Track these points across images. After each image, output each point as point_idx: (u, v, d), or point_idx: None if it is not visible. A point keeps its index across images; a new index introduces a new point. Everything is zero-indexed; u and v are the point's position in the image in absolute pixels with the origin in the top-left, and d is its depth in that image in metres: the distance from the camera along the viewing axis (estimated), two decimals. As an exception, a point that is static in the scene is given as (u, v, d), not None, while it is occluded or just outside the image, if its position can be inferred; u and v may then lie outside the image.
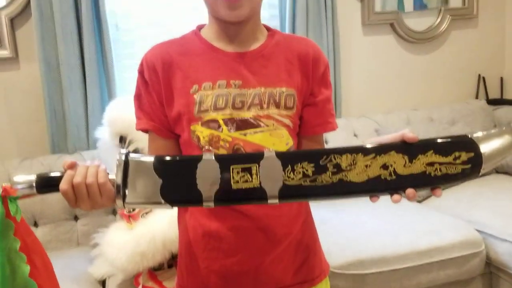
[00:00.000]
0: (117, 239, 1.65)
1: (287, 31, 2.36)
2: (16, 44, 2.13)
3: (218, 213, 0.92)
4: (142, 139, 1.68)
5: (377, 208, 2.12)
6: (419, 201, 2.20)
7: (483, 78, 2.86)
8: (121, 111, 1.77)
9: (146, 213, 1.63)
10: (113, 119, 1.80)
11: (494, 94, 2.89)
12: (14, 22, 2.11)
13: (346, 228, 1.91)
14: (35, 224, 1.97)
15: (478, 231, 1.88)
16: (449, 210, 2.04)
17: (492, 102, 2.77)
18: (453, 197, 2.12)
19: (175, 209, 1.03)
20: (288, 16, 2.36)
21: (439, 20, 2.73)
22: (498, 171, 2.49)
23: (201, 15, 2.29)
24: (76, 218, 2.03)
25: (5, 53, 2.10)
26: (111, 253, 1.62)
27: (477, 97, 2.86)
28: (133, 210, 1.64)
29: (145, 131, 0.97)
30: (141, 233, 1.59)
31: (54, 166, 1.99)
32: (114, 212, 2.01)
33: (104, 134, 1.88)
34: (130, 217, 1.65)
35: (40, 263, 0.80)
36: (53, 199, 1.94)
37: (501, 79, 2.90)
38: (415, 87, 2.77)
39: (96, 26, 2.12)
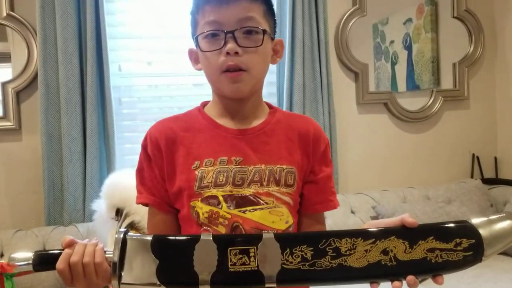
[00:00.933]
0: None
1: (284, 108, 2.43)
2: (20, 116, 2.18)
3: None
4: (138, 212, 1.68)
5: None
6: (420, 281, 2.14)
7: (477, 157, 2.91)
8: (119, 184, 1.77)
9: None
10: (111, 192, 1.81)
11: (488, 173, 2.92)
12: (20, 95, 2.17)
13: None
14: (23, 299, 1.90)
15: (480, 314, 1.83)
16: (449, 292, 1.99)
17: (487, 181, 2.80)
18: (454, 278, 2.07)
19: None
20: (286, 94, 2.44)
21: (431, 100, 2.83)
22: (500, 252, 2.44)
23: (202, 91, 2.39)
24: (65, 293, 1.96)
25: (8, 124, 2.15)
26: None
27: (472, 176, 2.89)
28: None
29: (145, 205, 0.98)
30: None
31: (48, 238, 1.96)
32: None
33: (100, 206, 1.87)
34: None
35: None
36: (44, 272, 1.88)
37: (495, 158, 2.95)
38: (411, 165, 2.81)
39: (99, 100, 2.18)
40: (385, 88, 2.77)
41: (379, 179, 2.71)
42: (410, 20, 2.86)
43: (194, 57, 0.98)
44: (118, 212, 1.77)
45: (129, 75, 2.36)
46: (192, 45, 0.98)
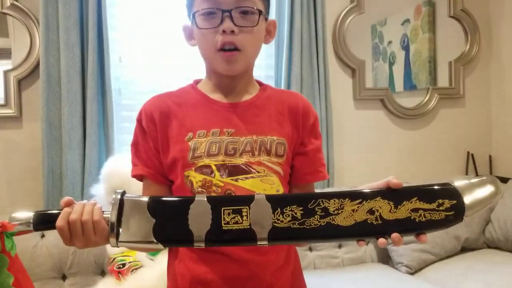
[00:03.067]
0: (105, 294, 1.61)
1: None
2: (21, 103, 2.21)
3: (206, 258, 0.93)
4: (136, 197, 1.70)
5: (368, 279, 2.08)
6: (411, 273, 2.18)
7: (472, 155, 2.94)
8: (118, 167, 1.80)
9: (136, 268, 1.61)
10: (110, 175, 1.83)
11: (483, 171, 2.95)
12: (21, 83, 2.21)
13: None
14: (21, 282, 1.91)
15: (471, 303, 1.86)
16: (441, 283, 2.01)
17: (481, 178, 2.82)
18: (446, 269, 2.11)
19: (165, 264, 1.05)
20: (283, 88, 2.46)
21: (427, 98, 2.87)
22: (490, 246, 2.48)
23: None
24: (64, 277, 1.98)
25: (9, 111, 2.18)
26: (97, 309, 1.58)
27: (466, 174, 2.92)
28: (123, 266, 1.62)
29: (140, 177, 1.01)
30: (129, 288, 1.56)
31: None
32: (102, 273, 1.97)
33: (99, 191, 1.89)
34: (120, 273, 1.63)
35: (31, 301, 0.80)
36: (42, 256, 1.92)
37: (490, 157, 2.99)
38: (406, 161, 2.84)
39: (99, 90, 2.21)
40: (382, 85, 2.81)
41: (375, 174, 2.69)
42: (408, 20, 2.90)
43: (188, 32, 1.02)
44: (117, 196, 1.78)
45: (130, 66, 2.39)
46: (187, 22, 1.01)
